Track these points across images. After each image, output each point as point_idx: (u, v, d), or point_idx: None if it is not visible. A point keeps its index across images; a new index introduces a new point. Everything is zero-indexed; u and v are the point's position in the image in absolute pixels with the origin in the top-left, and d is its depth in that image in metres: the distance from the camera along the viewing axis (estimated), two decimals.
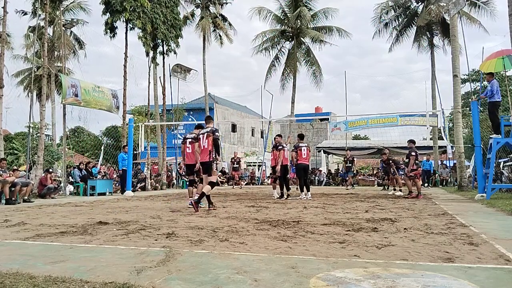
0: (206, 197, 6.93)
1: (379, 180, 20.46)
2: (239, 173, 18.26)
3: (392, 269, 2.71)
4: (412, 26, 24.30)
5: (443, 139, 20.33)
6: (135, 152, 17.61)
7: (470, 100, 13.85)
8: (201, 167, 7.13)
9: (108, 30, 16.09)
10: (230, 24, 27.57)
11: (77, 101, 13.46)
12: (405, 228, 4.64)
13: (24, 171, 13.85)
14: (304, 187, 10.16)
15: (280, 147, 10.15)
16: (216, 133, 7.11)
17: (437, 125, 20.93)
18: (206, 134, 7.13)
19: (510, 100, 12.23)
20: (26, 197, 10.04)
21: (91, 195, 12.69)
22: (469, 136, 23.81)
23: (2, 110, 11.60)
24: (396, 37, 24.56)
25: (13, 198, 9.46)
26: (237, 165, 17.38)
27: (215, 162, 7.05)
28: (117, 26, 16.34)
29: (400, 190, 12.10)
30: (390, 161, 12.74)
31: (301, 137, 10.72)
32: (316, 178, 21.90)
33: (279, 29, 26.54)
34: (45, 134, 14.81)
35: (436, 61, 23.89)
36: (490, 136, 9.98)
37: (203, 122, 7.61)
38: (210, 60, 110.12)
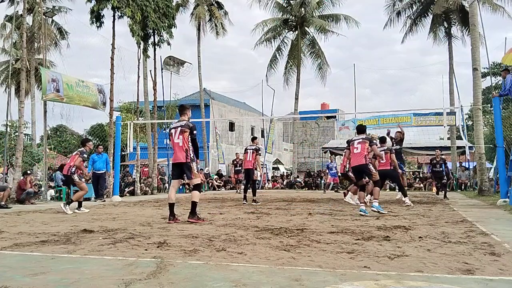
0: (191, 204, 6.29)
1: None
2: (240, 176, 18.24)
3: (406, 282, 2.71)
4: (427, 15, 24.34)
5: (461, 139, 20.34)
6: (123, 153, 17.57)
7: (490, 96, 13.83)
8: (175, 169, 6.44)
9: (94, 19, 16.04)
10: (226, 13, 27.56)
11: (59, 97, 13.44)
12: (420, 237, 4.65)
13: (1, 174, 13.85)
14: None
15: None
16: (194, 131, 6.36)
17: (455, 124, 20.97)
18: (180, 128, 6.32)
19: None
20: (3, 203, 10.02)
21: None
22: (490, 135, 23.81)
23: None
24: (410, 27, 24.60)
25: None
26: (240, 167, 17.39)
27: (193, 162, 6.34)
28: (103, 15, 16.30)
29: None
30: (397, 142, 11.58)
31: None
32: (322, 181, 21.89)
33: (282, 17, 26.56)
34: (24, 134, 14.76)
35: (454, 53, 23.95)
36: None
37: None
38: (206, 51, 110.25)
